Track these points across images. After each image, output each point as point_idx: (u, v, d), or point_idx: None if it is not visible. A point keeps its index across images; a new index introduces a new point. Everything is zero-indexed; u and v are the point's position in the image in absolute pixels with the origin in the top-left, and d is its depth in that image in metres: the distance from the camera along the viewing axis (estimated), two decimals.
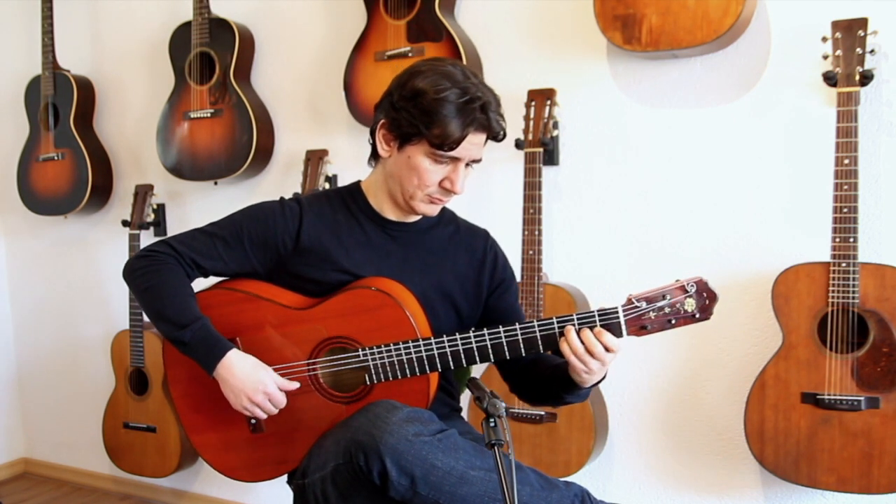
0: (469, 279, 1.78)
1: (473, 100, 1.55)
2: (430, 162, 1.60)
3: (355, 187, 1.77)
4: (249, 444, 1.71)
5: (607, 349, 1.50)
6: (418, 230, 1.76)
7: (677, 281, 1.51)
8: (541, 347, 1.55)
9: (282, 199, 1.76)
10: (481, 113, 1.56)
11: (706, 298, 1.50)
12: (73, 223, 3.41)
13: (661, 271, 2.32)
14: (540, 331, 1.54)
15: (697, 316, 1.50)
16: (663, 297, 1.50)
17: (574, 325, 1.51)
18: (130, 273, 1.71)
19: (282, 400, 1.63)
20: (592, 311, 1.52)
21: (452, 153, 1.57)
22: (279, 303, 1.67)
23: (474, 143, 1.59)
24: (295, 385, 1.64)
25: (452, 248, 1.78)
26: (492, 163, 2.54)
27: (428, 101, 1.55)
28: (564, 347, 1.51)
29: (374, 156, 1.71)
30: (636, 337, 1.53)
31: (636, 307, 1.50)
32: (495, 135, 1.61)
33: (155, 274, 1.66)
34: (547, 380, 1.70)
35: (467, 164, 1.63)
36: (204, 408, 1.71)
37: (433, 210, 1.69)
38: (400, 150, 1.62)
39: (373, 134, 1.68)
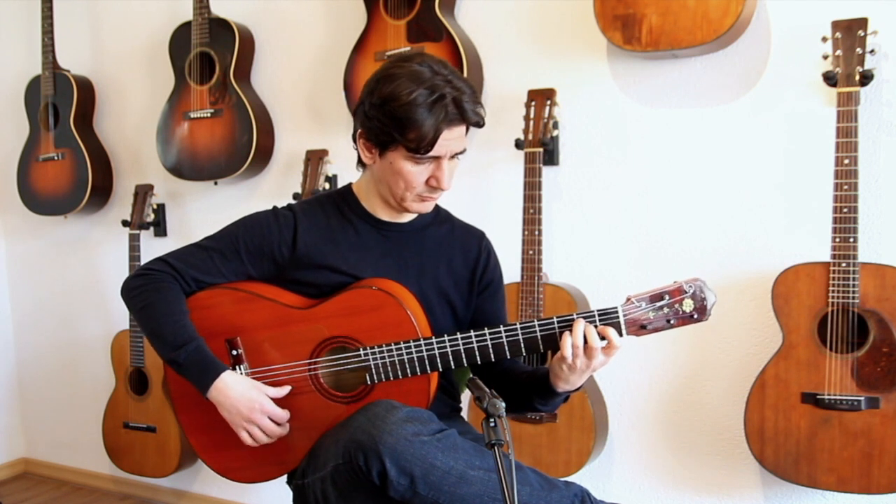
0: (463, 278, 1.78)
1: (443, 96, 1.53)
2: (411, 164, 1.59)
3: (347, 190, 1.77)
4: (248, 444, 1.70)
5: (609, 347, 1.51)
6: (413, 230, 1.76)
7: (676, 282, 1.53)
8: (541, 347, 1.55)
9: (275, 207, 1.76)
10: (454, 107, 1.54)
11: (704, 299, 1.51)
12: (73, 223, 3.41)
13: (661, 271, 2.33)
14: (540, 330, 1.54)
15: (695, 316, 1.51)
16: (662, 298, 1.51)
17: (583, 322, 1.51)
18: (127, 292, 1.71)
19: (282, 415, 1.64)
20: (592, 311, 1.52)
21: (431, 153, 1.56)
22: (280, 302, 1.67)
23: (451, 138, 1.57)
24: (286, 389, 1.64)
25: (447, 246, 1.78)
26: (492, 163, 2.54)
27: (397, 107, 1.53)
28: (565, 340, 1.51)
29: (361, 160, 1.72)
30: (635, 336, 1.54)
31: (636, 307, 1.51)
32: (473, 124, 1.60)
33: (151, 293, 1.66)
34: (522, 383, 1.70)
35: (452, 157, 1.61)
36: (203, 408, 1.70)
37: (426, 207, 1.69)
38: (381, 156, 1.62)
39: (354, 140, 1.68)
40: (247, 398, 1.61)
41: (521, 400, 1.72)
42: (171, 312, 1.65)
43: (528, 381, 1.69)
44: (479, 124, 1.61)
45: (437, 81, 1.54)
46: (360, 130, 1.64)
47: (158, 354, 1.68)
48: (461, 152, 1.62)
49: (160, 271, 1.69)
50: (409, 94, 1.52)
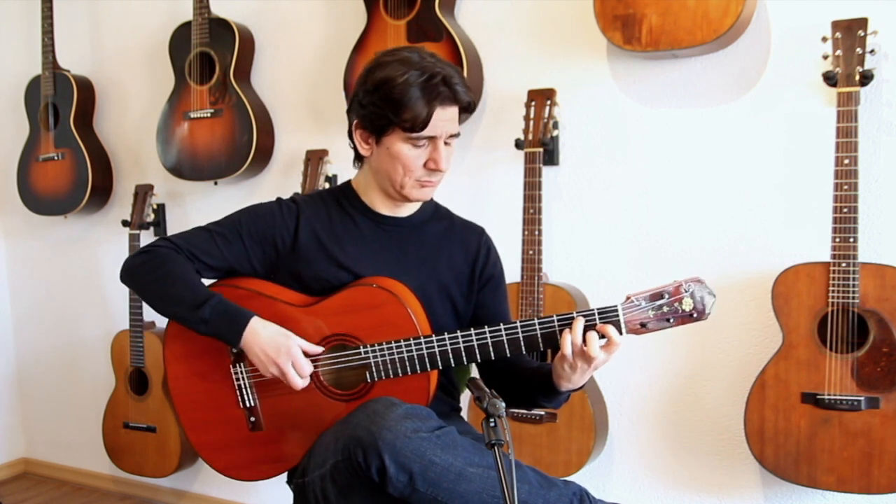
0: (463, 274, 1.79)
1: (434, 76, 1.58)
2: (409, 147, 1.62)
3: (346, 186, 1.79)
4: (248, 442, 1.70)
5: (609, 345, 1.51)
6: (412, 225, 1.77)
7: (675, 281, 1.53)
8: (541, 345, 1.55)
9: (279, 198, 1.78)
10: (444, 86, 1.58)
11: (703, 298, 1.51)
12: (73, 223, 3.41)
13: (661, 271, 2.33)
14: (540, 329, 1.54)
15: (695, 315, 1.51)
16: (661, 297, 1.51)
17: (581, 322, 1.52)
18: (132, 270, 1.70)
19: (305, 366, 1.61)
20: (592, 310, 1.53)
21: (426, 132, 1.60)
22: (281, 300, 1.67)
23: (445, 118, 1.61)
24: (318, 349, 1.63)
25: (447, 242, 1.79)
26: (492, 163, 2.54)
27: (390, 88, 1.58)
28: (564, 341, 1.51)
29: (358, 157, 1.74)
30: (634, 335, 1.54)
31: (635, 306, 1.52)
32: (464, 106, 1.64)
33: (160, 265, 1.66)
34: (525, 380, 1.71)
35: (446, 142, 1.65)
36: (203, 407, 1.71)
37: (426, 194, 1.71)
38: (378, 144, 1.65)
39: (350, 137, 1.71)
40: (275, 342, 1.59)
41: (525, 397, 1.73)
42: (185, 275, 1.64)
43: (531, 379, 1.69)
44: (471, 106, 1.66)
45: (426, 64, 1.59)
46: (355, 121, 1.67)
47: (179, 320, 1.65)
48: (455, 135, 1.66)
49: (161, 246, 1.69)
50: (402, 76, 1.58)
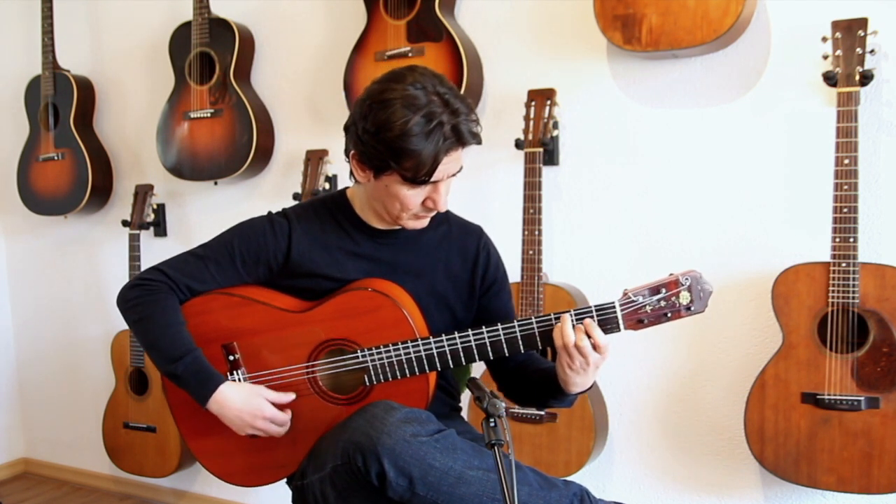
0: (462, 280, 1.77)
1: (441, 123, 1.48)
2: (407, 188, 1.56)
3: (341, 197, 1.75)
4: (248, 448, 1.70)
5: (595, 347, 1.50)
6: (407, 236, 1.74)
7: (671, 275, 1.53)
8: (539, 344, 1.55)
9: (270, 213, 1.75)
10: (452, 132, 1.50)
11: (700, 291, 1.51)
12: (73, 223, 3.41)
13: (661, 271, 2.30)
14: (538, 327, 1.55)
15: (692, 308, 1.51)
16: (658, 291, 1.52)
17: (571, 318, 1.51)
18: (124, 303, 1.71)
19: (284, 419, 1.65)
20: (590, 307, 1.53)
21: (429, 179, 1.54)
22: (276, 306, 1.67)
23: (449, 162, 1.54)
24: (290, 396, 1.65)
25: (444, 249, 1.76)
26: (492, 163, 2.54)
27: (392, 137, 1.48)
28: (556, 334, 1.51)
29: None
30: (633, 331, 1.54)
31: (632, 301, 1.52)
32: (471, 144, 1.57)
33: (147, 305, 1.66)
34: (535, 382, 1.71)
35: (448, 177, 1.59)
36: (202, 413, 1.70)
37: (422, 224, 1.67)
38: (376, 178, 1.58)
39: (347, 155, 1.64)
40: (249, 408, 1.62)
41: (536, 397, 1.73)
42: (168, 324, 1.65)
43: (540, 380, 1.68)
44: (477, 143, 1.58)
45: (433, 108, 1.49)
46: (353, 152, 1.60)
47: (156, 367, 1.68)
48: (458, 171, 1.59)
49: (156, 281, 1.69)
50: (405, 124, 1.47)
